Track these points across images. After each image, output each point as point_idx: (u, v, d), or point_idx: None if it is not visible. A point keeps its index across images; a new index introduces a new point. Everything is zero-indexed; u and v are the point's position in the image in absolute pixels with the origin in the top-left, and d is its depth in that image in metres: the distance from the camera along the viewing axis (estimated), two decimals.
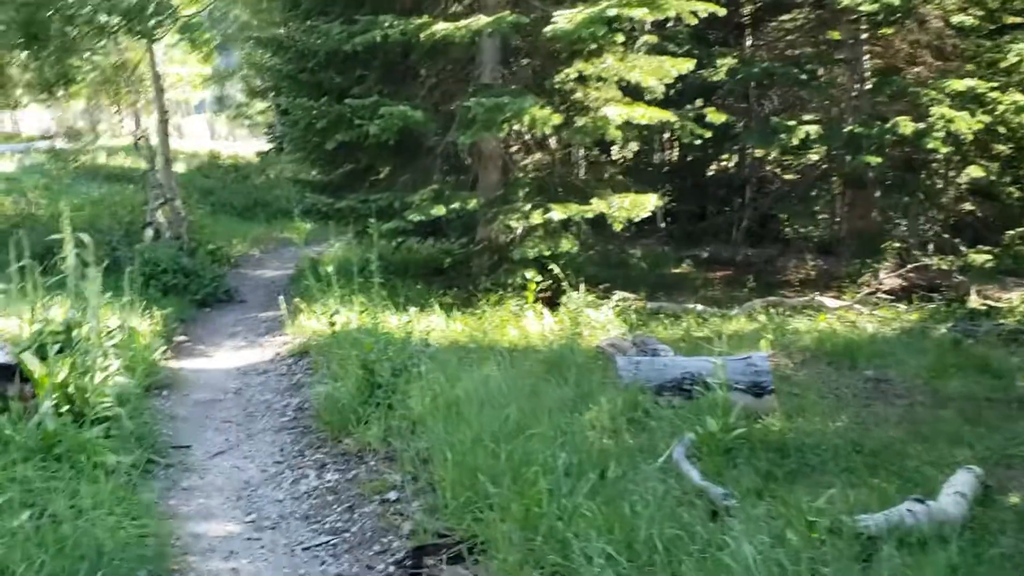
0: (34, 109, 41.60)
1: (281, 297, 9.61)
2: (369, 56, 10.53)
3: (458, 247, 12.38)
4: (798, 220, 14.67)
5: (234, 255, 14.91)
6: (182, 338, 8.95)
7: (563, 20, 8.92)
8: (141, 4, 11.47)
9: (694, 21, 9.58)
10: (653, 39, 10.42)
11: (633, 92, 10.09)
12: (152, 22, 11.60)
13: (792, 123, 11.25)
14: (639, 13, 8.69)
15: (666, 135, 14.20)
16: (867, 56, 12.92)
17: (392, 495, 4.28)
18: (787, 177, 16.85)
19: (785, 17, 14.88)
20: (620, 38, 9.28)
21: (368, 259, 8.53)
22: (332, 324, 6.95)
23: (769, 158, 16.15)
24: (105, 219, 13.57)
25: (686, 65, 9.72)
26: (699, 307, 10.86)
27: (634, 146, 12.05)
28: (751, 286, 12.78)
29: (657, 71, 9.56)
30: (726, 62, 11.77)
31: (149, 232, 12.54)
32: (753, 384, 6.62)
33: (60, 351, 5.30)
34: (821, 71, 12.12)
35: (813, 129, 11.19)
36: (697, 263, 14.99)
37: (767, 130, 11.70)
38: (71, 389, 4.84)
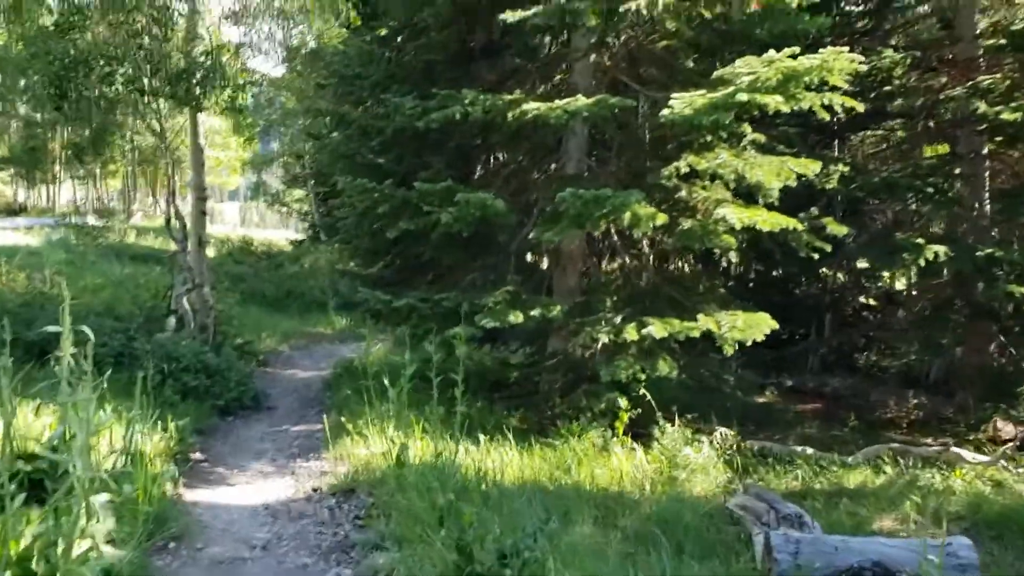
0: (73, 185, 41.30)
1: (323, 416, 8.08)
2: (442, 137, 9.23)
3: (523, 358, 10.84)
4: (920, 353, 12.99)
5: (262, 351, 13.39)
6: (199, 456, 7.35)
7: (680, 104, 7.54)
8: (189, 68, 10.31)
9: (827, 117, 8.21)
10: (760, 137, 9.03)
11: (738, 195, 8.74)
12: (199, 89, 10.39)
13: (920, 241, 9.72)
14: (772, 101, 7.29)
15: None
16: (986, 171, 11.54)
17: None
18: (869, 301, 15.44)
19: (883, 125, 13.65)
20: (748, 129, 7.92)
21: (412, 362, 6.99)
22: (400, 463, 5.33)
23: (848, 279, 14.94)
24: (126, 303, 12.18)
25: (812, 167, 8.31)
26: (808, 450, 9.17)
27: (734, 257, 10.52)
28: (852, 424, 11.12)
29: (779, 171, 8.14)
30: (838, 168, 10.36)
31: (172, 321, 11.10)
32: None
33: (32, 497, 3.74)
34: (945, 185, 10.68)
35: (942, 249, 9.65)
36: (780, 392, 13.33)
37: (886, 248, 10.18)
38: (35, 566, 3.24)
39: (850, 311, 15.15)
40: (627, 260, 9.43)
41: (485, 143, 9.56)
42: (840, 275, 14.82)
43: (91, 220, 30.21)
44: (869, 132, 14.53)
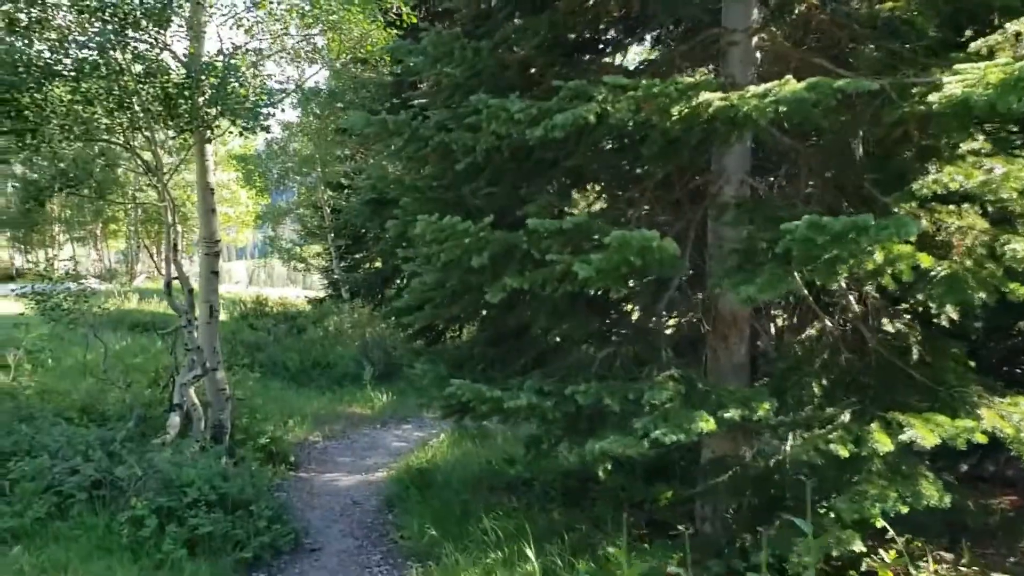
0: (73, 247, 38.92)
1: (394, 562, 5.18)
2: (553, 155, 6.49)
3: (637, 451, 7.92)
4: None
5: (291, 443, 10.49)
6: None
7: (962, 84, 4.76)
8: (193, 80, 7.61)
9: None
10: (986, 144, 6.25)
11: None
12: (208, 108, 7.69)
13: None
14: None
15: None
16: None
17: None
18: None
19: None
20: None
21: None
22: None
23: None
24: (112, 398, 9.24)
25: None
26: None
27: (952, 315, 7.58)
28: None
29: None
30: None
31: (175, 419, 8.25)
32: None
33: None
34: None
35: None
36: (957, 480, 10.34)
37: None
38: None
39: None
40: (827, 324, 6.54)
41: (621, 159, 6.78)
42: None
43: (93, 284, 27.53)
44: None
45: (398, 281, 20.11)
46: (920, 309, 6.60)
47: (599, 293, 6.15)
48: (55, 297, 9.04)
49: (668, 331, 6.70)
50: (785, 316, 7.11)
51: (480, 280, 6.12)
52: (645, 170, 6.78)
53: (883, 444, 5.17)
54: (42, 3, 6.89)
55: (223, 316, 20.91)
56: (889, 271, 5.15)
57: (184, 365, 8.67)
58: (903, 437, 5.18)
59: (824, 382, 6.13)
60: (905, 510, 5.22)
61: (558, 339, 7.01)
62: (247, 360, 14.15)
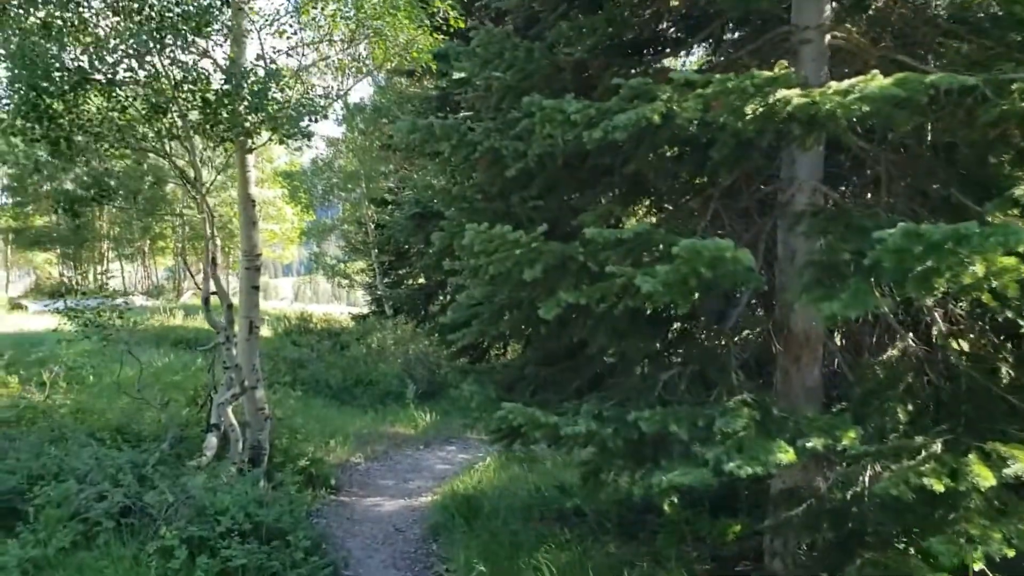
0: (121, 264, 39.35)
1: None
2: (608, 160, 6.05)
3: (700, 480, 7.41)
4: None
5: (331, 465, 10.12)
6: None
7: None
8: (234, 87, 7.31)
9: None
10: None
11: None
12: (249, 115, 7.39)
13: None
14: None
15: None
16: None
17: None
18: None
19: None
20: None
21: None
22: None
23: None
24: (148, 417, 8.95)
25: None
26: None
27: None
28: None
29: None
30: None
31: (212, 440, 7.92)
32: None
33: None
34: None
35: None
36: None
37: None
38: None
39: None
40: (911, 343, 5.99)
41: (681, 167, 6.30)
42: None
43: (139, 300, 27.69)
44: None
45: (441, 297, 19.82)
46: (988, 328, 6.06)
47: (661, 309, 5.69)
48: (88, 312, 8.78)
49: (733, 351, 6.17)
50: (851, 335, 6.56)
51: (532, 295, 5.71)
52: (707, 179, 6.31)
53: (984, 478, 4.61)
54: (76, 6, 6.63)
55: (267, 332, 20.78)
56: (988, 285, 4.60)
57: (222, 383, 8.36)
58: (1008, 471, 4.63)
59: (909, 407, 5.59)
60: (1012, 553, 4.67)
61: (615, 359, 6.54)
62: (288, 377, 13.86)
